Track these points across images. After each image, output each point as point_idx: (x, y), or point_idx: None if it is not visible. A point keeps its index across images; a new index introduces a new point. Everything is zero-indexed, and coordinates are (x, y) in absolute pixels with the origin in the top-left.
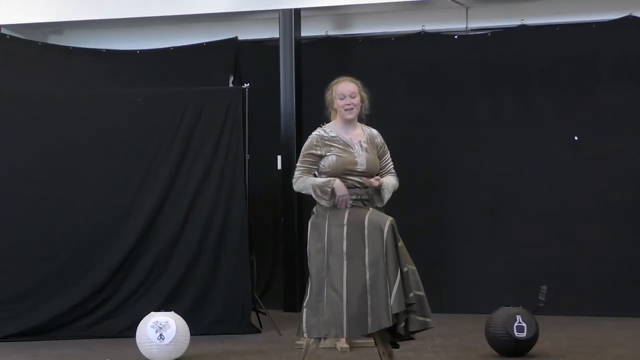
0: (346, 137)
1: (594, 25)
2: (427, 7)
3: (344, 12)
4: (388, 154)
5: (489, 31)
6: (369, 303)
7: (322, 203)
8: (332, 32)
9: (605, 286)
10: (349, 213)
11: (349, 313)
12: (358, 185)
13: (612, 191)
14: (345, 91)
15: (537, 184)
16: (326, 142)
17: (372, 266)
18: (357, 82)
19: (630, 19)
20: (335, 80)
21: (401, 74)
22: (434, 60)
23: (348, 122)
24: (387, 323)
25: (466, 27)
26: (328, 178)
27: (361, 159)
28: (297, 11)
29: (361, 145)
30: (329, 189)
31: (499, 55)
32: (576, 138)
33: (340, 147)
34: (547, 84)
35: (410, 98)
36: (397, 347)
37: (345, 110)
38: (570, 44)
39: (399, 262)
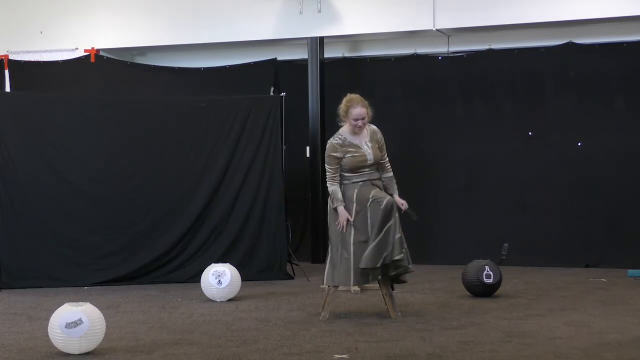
0: (355, 141)
1: (543, 49)
2: (418, 35)
3: (356, 39)
4: (384, 148)
5: (464, 53)
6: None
7: (330, 205)
8: (347, 54)
9: (552, 244)
10: (357, 191)
11: (354, 267)
12: (367, 170)
13: (557, 172)
14: (358, 116)
15: (500, 167)
16: (342, 147)
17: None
18: (365, 103)
19: (570, 45)
20: (350, 99)
21: (399, 86)
22: (423, 75)
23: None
24: (370, 268)
25: (447, 50)
26: (340, 199)
27: (370, 156)
28: (322, 38)
29: (367, 144)
30: (335, 208)
31: (472, 72)
32: (530, 133)
33: (353, 149)
34: (508, 93)
35: (405, 104)
36: (393, 289)
37: (357, 128)
38: (525, 63)
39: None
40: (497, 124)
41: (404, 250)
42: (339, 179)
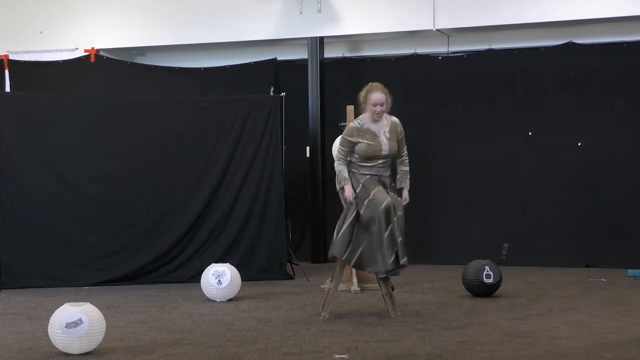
0: (374, 129)
1: (543, 49)
2: (418, 35)
3: (356, 39)
4: (404, 142)
5: (464, 53)
6: (360, 250)
7: (337, 185)
8: (347, 54)
9: (551, 244)
10: (361, 185)
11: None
12: (380, 163)
13: (556, 173)
14: (377, 101)
15: (500, 166)
16: (360, 132)
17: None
18: (385, 90)
19: (570, 45)
20: (370, 86)
21: (399, 86)
22: (423, 75)
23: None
24: (373, 270)
25: (447, 51)
26: (347, 178)
27: (385, 146)
28: (322, 38)
29: (385, 135)
30: (341, 185)
31: (472, 72)
32: (530, 133)
33: (370, 137)
34: (508, 93)
35: (405, 104)
36: (393, 289)
37: (377, 115)
38: (526, 63)
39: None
40: (497, 124)
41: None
42: (347, 161)
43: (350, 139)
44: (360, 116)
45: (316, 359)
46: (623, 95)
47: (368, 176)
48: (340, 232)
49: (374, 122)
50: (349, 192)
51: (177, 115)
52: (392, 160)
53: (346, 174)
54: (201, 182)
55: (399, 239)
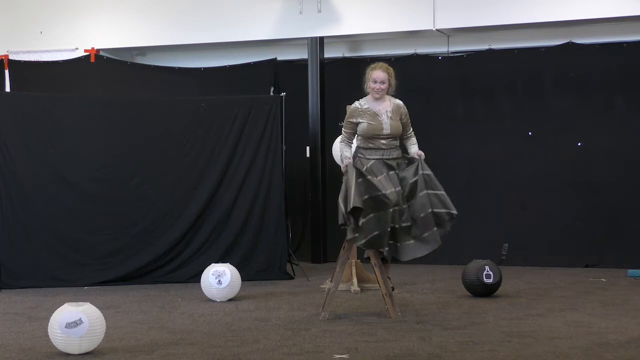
0: (376, 108)
1: (543, 49)
2: (418, 35)
3: (356, 39)
4: (409, 124)
5: (464, 53)
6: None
7: (339, 163)
8: (347, 54)
9: (552, 244)
10: (368, 167)
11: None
12: (384, 144)
13: (556, 172)
14: (377, 78)
15: (500, 166)
16: (360, 112)
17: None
18: (390, 70)
19: (570, 45)
20: (374, 65)
21: (399, 86)
22: (423, 75)
23: (377, 98)
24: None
25: (447, 50)
26: (347, 157)
27: (386, 126)
28: (322, 38)
29: (387, 115)
30: (344, 163)
31: (472, 72)
32: (530, 133)
33: (371, 116)
34: (507, 93)
35: (405, 104)
36: (393, 289)
37: (375, 91)
38: (525, 63)
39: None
40: (497, 124)
41: (390, 243)
42: (351, 143)
43: (351, 120)
44: (362, 98)
45: (316, 359)
46: (623, 95)
47: (373, 160)
48: (352, 189)
49: (375, 100)
50: (349, 160)
51: (177, 115)
52: (400, 143)
53: (348, 153)
54: (201, 182)
55: (390, 227)
